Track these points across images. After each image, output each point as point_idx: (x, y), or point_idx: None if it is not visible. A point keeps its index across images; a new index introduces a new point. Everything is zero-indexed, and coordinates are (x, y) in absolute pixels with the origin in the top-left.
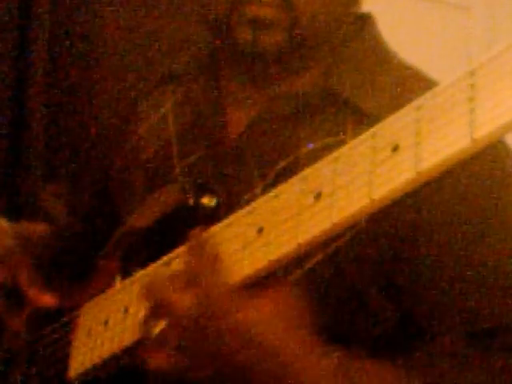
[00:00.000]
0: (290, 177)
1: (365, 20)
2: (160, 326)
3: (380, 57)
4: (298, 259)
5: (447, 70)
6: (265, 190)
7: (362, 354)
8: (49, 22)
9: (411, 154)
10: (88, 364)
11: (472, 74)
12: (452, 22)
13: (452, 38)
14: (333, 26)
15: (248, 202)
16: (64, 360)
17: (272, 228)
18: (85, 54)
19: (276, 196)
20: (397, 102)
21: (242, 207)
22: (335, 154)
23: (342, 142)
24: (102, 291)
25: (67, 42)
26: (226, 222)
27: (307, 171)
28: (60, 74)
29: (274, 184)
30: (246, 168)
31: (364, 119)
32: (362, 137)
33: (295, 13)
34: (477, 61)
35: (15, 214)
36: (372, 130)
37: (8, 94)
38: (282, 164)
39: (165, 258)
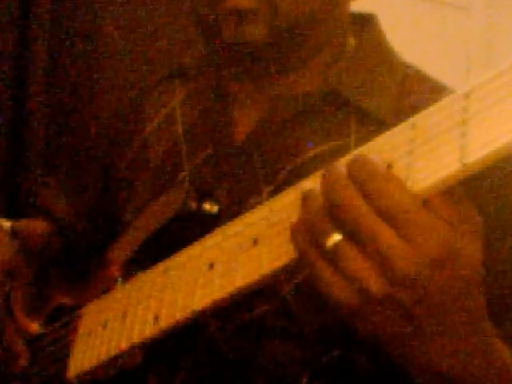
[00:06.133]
0: (297, 180)
1: (367, 20)
2: (334, 238)
3: (383, 58)
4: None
5: (447, 70)
6: (272, 194)
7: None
8: (49, 22)
9: (403, 175)
10: (87, 364)
11: (467, 96)
12: (451, 22)
13: (451, 38)
14: (320, 20)
15: (254, 206)
16: (64, 360)
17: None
18: (85, 54)
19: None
20: (400, 104)
21: (247, 211)
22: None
23: (348, 146)
24: (104, 293)
25: (67, 42)
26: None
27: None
28: (60, 73)
29: (281, 188)
30: (252, 172)
31: (368, 121)
32: (358, 152)
33: (276, 4)
34: (472, 82)
35: (15, 213)
36: (367, 145)
37: (8, 93)
38: (289, 167)
39: (162, 264)
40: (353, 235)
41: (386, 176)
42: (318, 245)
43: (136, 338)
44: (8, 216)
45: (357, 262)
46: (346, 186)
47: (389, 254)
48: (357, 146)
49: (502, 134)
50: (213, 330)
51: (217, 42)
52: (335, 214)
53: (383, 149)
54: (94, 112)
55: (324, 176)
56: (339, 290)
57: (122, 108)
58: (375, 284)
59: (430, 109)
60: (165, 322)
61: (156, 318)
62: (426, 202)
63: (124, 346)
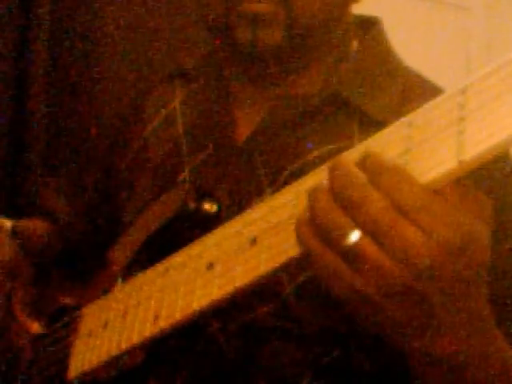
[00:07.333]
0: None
1: (371, 24)
2: (355, 236)
3: (386, 62)
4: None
5: (447, 70)
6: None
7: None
8: (49, 22)
9: None
10: (88, 364)
11: (463, 92)
12: (452, 22)
13: (452, 37)
14: (331, 24)
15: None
16: (65, 360)
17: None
18: (85, 54)
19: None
20: (403, 109)
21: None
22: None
23: (349, 148)
24: (104, 293)
25: (67, 42)
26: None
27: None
28: (60, 73)
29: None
30: (253, 172)
31: (370, 124)
32: (354, 151)
33: (293, 9)
34: (469, 79)
35: (15, 213)
36: (364, 143)
37: (8, 93)
38: (291, 169)
39: (162, 264)
40: (371, 232)
41: (396, 170)
42: (334, 243)
43: (136, 338)
44: (8, 216)
45: (377, 260)
46: (360, 182)
47: (409, 247)
48: None
49: (498, 130)
50: (214, 330)
51: (229, 45)
52: (352, 211)
53: (380, 147)
54: (94, 112)
55: (334, 174)
56: (359, 286)
57: (122, 108)
58: (396, 279)
59: (427, 106)
60: (165, 322)
61: (156, 318)
62: (438, 192)
63: (124, 346)
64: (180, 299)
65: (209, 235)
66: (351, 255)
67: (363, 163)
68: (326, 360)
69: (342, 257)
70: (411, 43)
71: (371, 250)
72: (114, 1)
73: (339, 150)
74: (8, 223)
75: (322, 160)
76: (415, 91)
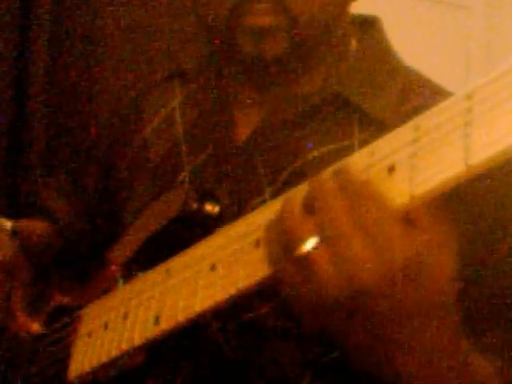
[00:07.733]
0: (298, 182)
1: (370, 23)
2: (311, 244)
3: (385, 61)
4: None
5: (447, 70)
6: (273, 196)
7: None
8: (49, 22)
9: (406, 176)
10: (88, 365)
11: (469, 97)
12: (452, 21)
13: (452, 37)
14: (331, 24)
15: (256, 207)
16: (64, 360)
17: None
18: (85, 54)
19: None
20: (403, 108)
21: (248, 211)
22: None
23: (350, 147)
24: (104, 293)
25: (67, 42)
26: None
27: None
28: (60, 73)
29: (283, 189)
30: (253, 172)
31: (369, 123)
32: (360, 153)
33: (293, 15)
34: (475, 83)
35: (15, 213)
36: (370, 146)
37: (8, 93)
38: (291, 168)
39: (164, 264)
40: (327, 243)
41: (365, 189)
42: (289, 249)
43: (137, 339)
44: (8, 216)
45: (326, 271)
46: (327, 194)
47: (355, 263)
48: (358, 147)
49: (506, 134)
50: (213, 330)
51: (229, 45)
52: (314, 220)
53: (386, 150)
54: (94, 112)
55: (311, 180)
56: (308, 298)
57: (121, 108)
58: (340, 293)
59: (433, 110)
60: (166, 323)
61: (157, 319)
62: (408, 215)
63: (125, 346)
64: (182, 300)
65: (211, 236)
66: (304, 263)
67: (336, 175)
68: (326, 360)
69: (297, 264)
70: (411, 43)
71: (323, 260)
72: (113, 1)
73: (339, 150)
74: (8, 223)
75: (321, 160)
76: (415, 90)
